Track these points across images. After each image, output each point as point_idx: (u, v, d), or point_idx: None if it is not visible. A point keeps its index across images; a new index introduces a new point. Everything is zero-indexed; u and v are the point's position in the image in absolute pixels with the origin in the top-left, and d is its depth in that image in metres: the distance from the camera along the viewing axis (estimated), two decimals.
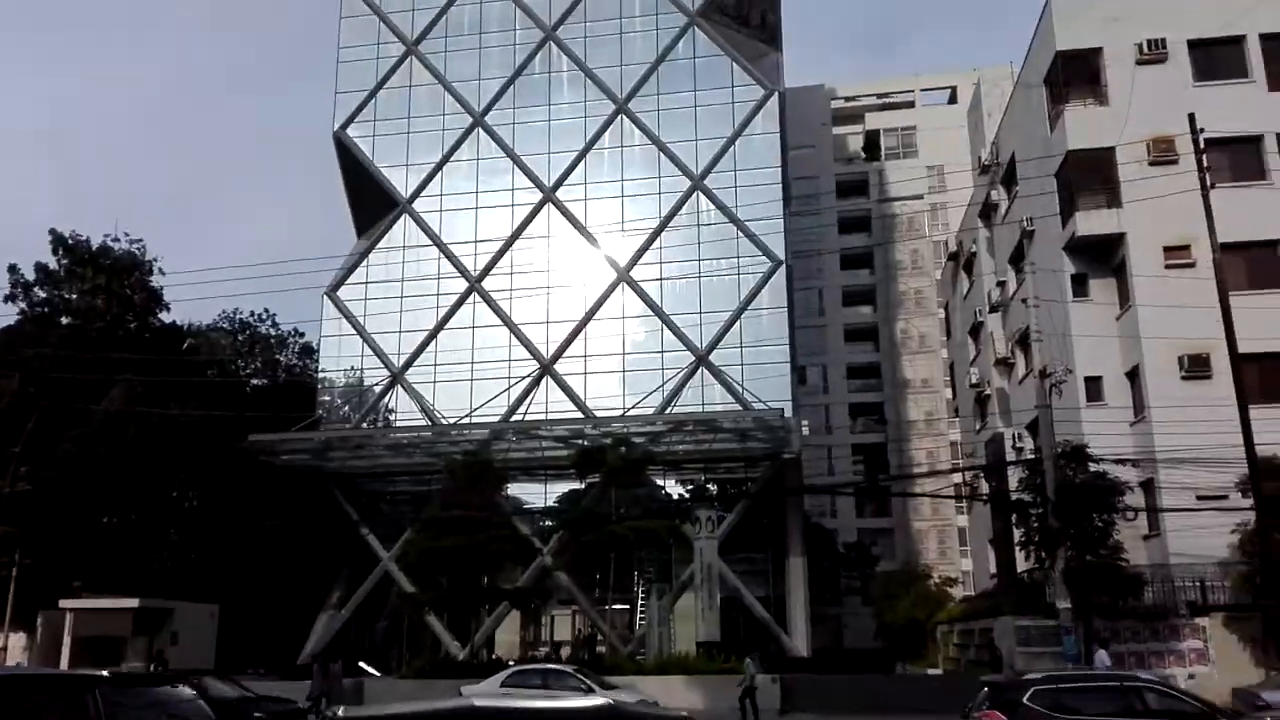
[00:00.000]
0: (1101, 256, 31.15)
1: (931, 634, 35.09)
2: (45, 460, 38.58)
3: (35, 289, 44.23)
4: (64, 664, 32.15)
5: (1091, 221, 30.81)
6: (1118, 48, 31.34)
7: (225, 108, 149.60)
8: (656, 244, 42.54)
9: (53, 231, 44.12)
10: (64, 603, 33.28)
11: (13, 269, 43.81)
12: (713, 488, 38.58)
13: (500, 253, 43.48)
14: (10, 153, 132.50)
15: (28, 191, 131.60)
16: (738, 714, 23.12)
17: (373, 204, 45.59)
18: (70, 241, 44.26)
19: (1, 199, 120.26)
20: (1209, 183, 22.75)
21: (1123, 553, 23.27)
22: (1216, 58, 30.96)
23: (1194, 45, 30.88)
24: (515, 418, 40.03)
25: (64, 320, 43.77)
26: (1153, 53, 30.96)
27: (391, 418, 42.30)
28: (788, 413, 36.60)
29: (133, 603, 32.55)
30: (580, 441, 35.76)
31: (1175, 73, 30.77)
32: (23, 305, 44.12)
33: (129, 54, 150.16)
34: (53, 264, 44.27)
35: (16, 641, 33.19)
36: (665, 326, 41.22)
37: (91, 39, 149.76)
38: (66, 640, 32.43)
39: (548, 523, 36.50)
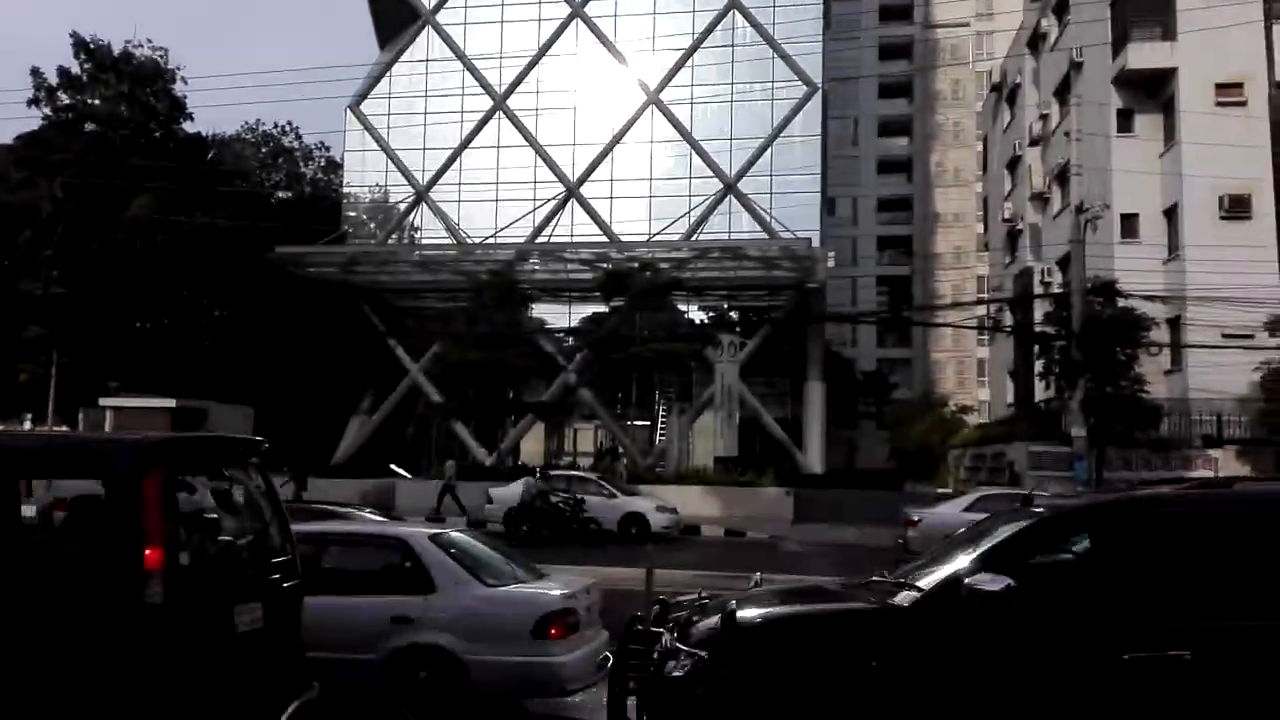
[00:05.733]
0: (1150, 91, 30.30)
1: (944, 458, 36.02)
2: (75, 264, 39.08)
3: (58, 94, 43.61)
4: None
5: (1144, 54, 29.81)
6: None
7: None
8: (688, 65, 41.33)
9: (74, 34, 43.10)
10: (103, 401, 34.36)
11: (34, 72, 43.10)
12: (735, 315, 38.83)
13: (526, 70, 42.36)
14: None
15: None
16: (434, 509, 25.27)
17: (395, 14, 44.17)
18: (92, 46, 43.28)
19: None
20: (1272, 14, 21.74)
21: (1144, 385, 23.54)
22: None
23: None
24: (540, 240, 40.01)
25: (88, 127, 43.34)
26: None
27: (417, 235, 42.38)
28: (815, 242, 36.40)
29: (170, 403, 33.55)
30: (605, 265, 35.84)
31: None
32: (47, 110, 43.65)
33: None
34: (75, 69, 43.49)
35: None
36: (694, 152, 40.53)
37: None
38: None
39: (572, 342, 37.04)
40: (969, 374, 57.59)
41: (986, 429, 34.26)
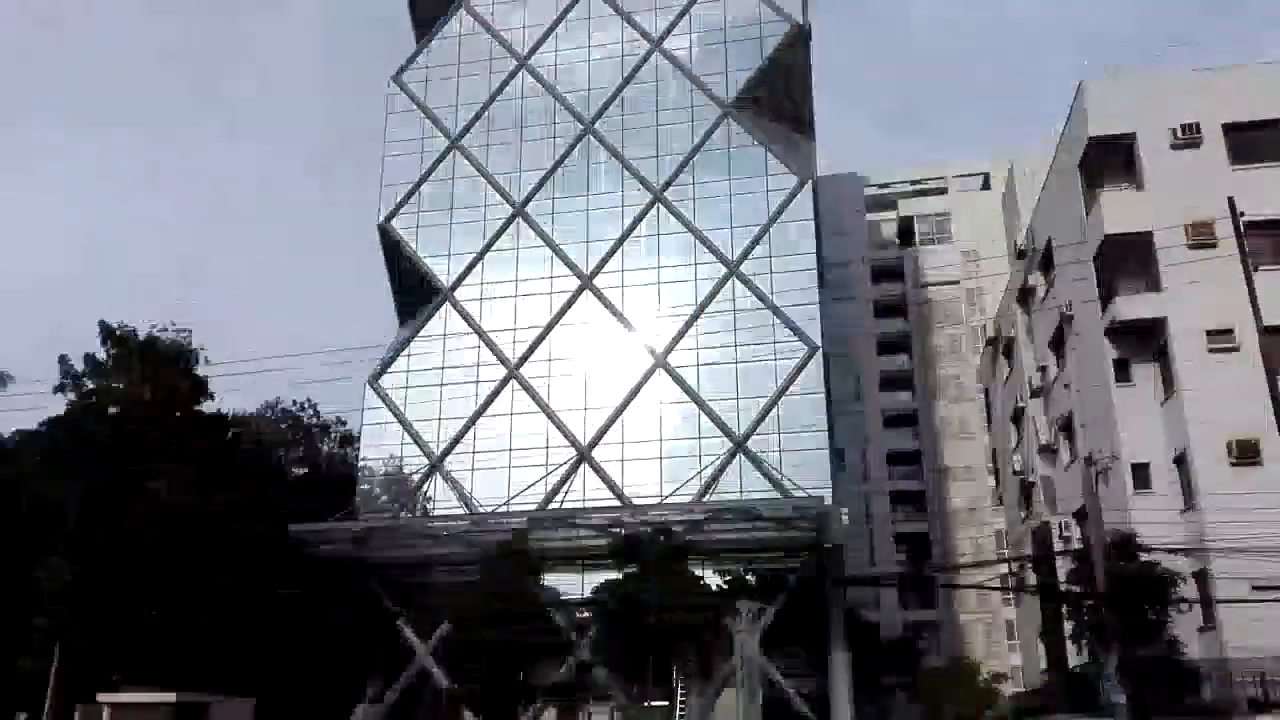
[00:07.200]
0: (1143, 340, 30.78)
1: None
2: (88, 553, 38.88)
3: (84, 380, 45.10)
4: None
5: (1133, 306, 30.53)
6: (1152, 132, 31.41)
7: (272, 195, 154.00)
8: (693, 330, 42.78)
9: (102, 323, 45.00)
10: (101, 697, 33.12)
11: (62, 360, 44.75)
12: (752, 579, 37.91)
13: (538, 340, 43.92)
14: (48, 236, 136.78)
15: (65, 276, 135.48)
16: None
17: (415, 292, 46.53)
18: (119, 333, 45.14)
19: (47, 284, 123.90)
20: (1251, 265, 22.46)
21: (1180, 647, 22.48)
22: (1253, 140, 30.86)
23: (1229, 129, 30.90)
24: (553, 505, 39.93)
25: (111, 410, 44.44)
26: (1187, 137, 31.01)
27: (430, 506, 42.34)
28: (828, 500, 36.15)
29: (170, 697, 32.26)
30: (618, 530, 35.48)
31: (1211, 156, 30.71)
32: (72, 396, 44.98)
33: (170, 136, 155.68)
34: (101, 354, 45.15)
35: None
36: (702, 412, 41.16)
37: (132, 132, 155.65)
38: None
39: (586, 614, 36.03)
40: (999, 636, 55.38)
41: (1023, 698, 32.47)
